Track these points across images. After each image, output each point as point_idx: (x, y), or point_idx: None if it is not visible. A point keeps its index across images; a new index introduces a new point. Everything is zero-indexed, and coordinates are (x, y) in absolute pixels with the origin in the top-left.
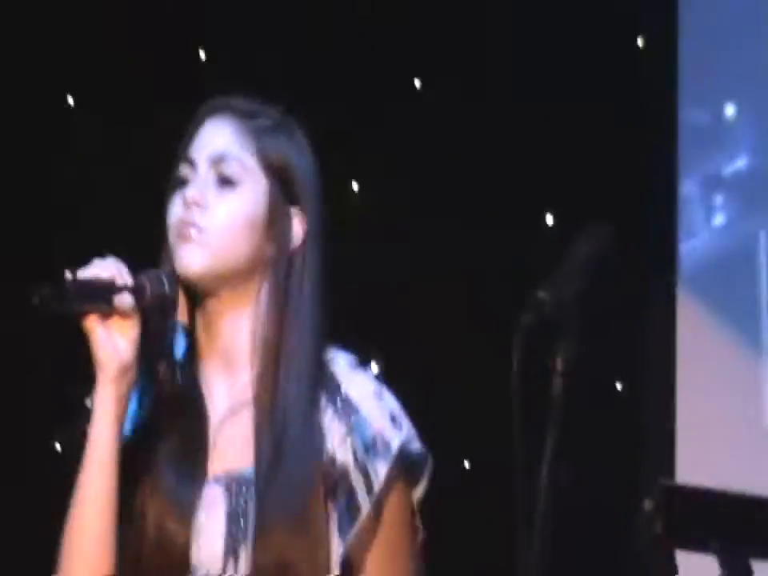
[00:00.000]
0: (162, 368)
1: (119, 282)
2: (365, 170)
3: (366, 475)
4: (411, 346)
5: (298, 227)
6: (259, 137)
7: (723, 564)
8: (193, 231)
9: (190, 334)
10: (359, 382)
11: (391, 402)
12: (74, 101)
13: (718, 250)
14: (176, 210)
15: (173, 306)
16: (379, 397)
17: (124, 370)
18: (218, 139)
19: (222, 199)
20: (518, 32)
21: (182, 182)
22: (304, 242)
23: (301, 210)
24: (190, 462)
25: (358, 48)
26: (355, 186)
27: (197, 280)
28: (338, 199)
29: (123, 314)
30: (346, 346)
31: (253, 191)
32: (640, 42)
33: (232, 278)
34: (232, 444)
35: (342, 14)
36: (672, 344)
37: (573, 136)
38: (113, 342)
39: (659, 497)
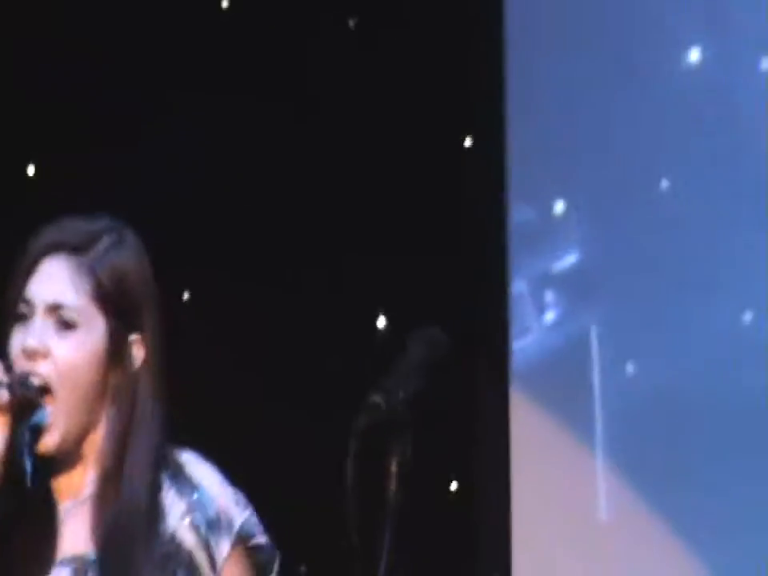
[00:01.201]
0: (18, 467)
1: None
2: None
3: (209, 552)
4: (250, 448)
5: (138, 352)
6: (94, 274)
7: None
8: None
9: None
10: (204, 468)
11: (234, 491)
12: None
13: (551, 345)
14: (17, 354)
15: (34, 411)
16: (223, 483)
17: None
18: (54, 285)
19: (62, 343)
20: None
21: (21, 317)
22: (144, 363)
23: (140, 335)
24: (39, 548)
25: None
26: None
27: (54, 454)
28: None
29: None
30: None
31: (91, 331)
32: (468, 141)
33: (81, 427)
34: (77, 531)
35: None
36: (506, 440)
37: (403, 237)
38: None
39: None
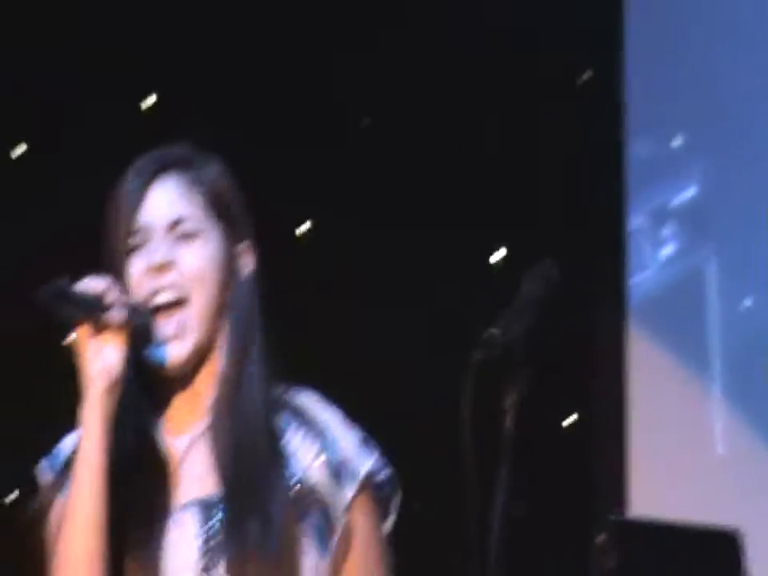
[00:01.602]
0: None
1: (112, 297)
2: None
3: (339, 495)
4: (361, 384)
5: (247, 261)
6: (203, 186)
7: None
8: (172, 327)
9: (150, 383)
10: (328, 411)
11: (358, 432)
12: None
13: (668, 280)
14: (140, 277)
15: (145, 342)
16: (347, 425)
17: (112, 387)
18: (170, 202)
19: (186, 254)
20: (464, 70)
21: (135, 248)
22: (252, 272)
23: (247, 245)
24: (155, 494)
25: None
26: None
27: (178, 370)
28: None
29: (115, 330)
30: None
31: (210, 240)
32: (586, 75)
33: (208, 339)
34: (197, 473)
35: None
36: (622, 376)
37: (520, 172)
38: (103, 356)
39: (611, 531)
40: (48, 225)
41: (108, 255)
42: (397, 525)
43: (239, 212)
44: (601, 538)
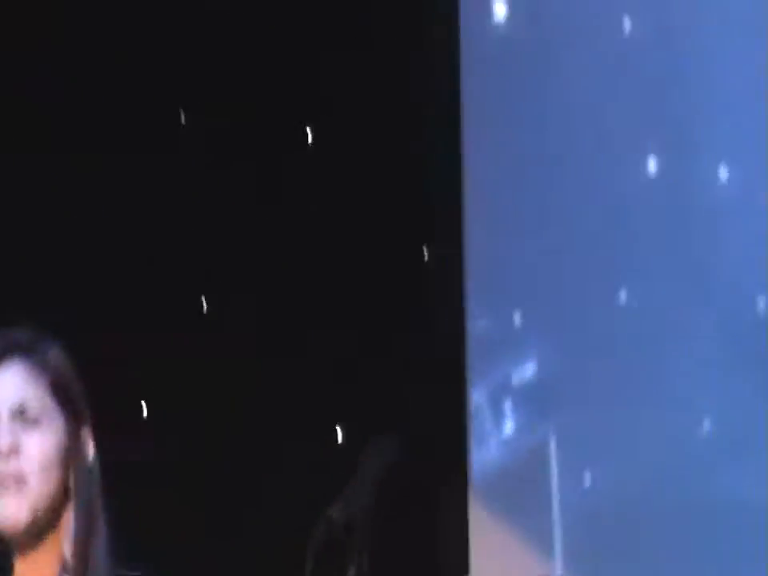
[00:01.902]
0: None
1: None
2: None
3: None
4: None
5: (89, 446)
6: (47, 371)
7: None
8: (12, 482)
9: None
10: None
11: None
12: None
13: (509, 457)
14: None
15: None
16: None
17: None
18: (15, 389)
19: (31, 439)
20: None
21: None
22: (95, 459)
23: (88, 429)
24: None
25: None
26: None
27: (20, 531)
28: None
29: None
30: None
31: (54, 425)
32: (427, 252)
33: (48, 512)
34: None
35: None
36: (465, 551)
37: (363, 345)
38: None
39: None
40: None
41: None
42: None
43: (81, 396)
44: None
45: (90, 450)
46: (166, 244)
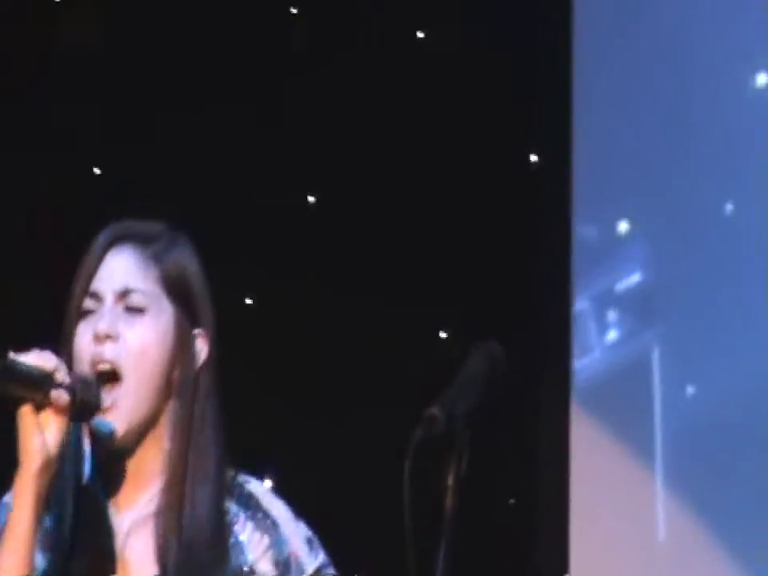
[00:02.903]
0: (74, 479)
1: (58, 377)
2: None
3: None
4: (305, 459)
5: (201, 347)
6: (160, 263)
7: None
8: (109, 398)
9: (96, 453)
10: (278, 505)
11: (306, 529)
12: None
13: (612, 365)
14: (85, 343)
15: (93, 414)
16: (296, 521)
17: (47, 466)
18: (122, 272)
19: (132, 327)
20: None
21: (87, 313)
22: (206, 360)
23: (203, 330)
24: (101, 565)
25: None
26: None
27: (117, 442)
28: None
29: (56, 410)
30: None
31: (160, 317)
32: (534, 159)
33: (147, 416)
34: (139, 555)
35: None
36: (566, 459)
37: (470, 254)
38: (43, 435)
39: None
40: None
41: (65, 318)
42: None
43: (200, 296)
44: None
45: (203, 350)
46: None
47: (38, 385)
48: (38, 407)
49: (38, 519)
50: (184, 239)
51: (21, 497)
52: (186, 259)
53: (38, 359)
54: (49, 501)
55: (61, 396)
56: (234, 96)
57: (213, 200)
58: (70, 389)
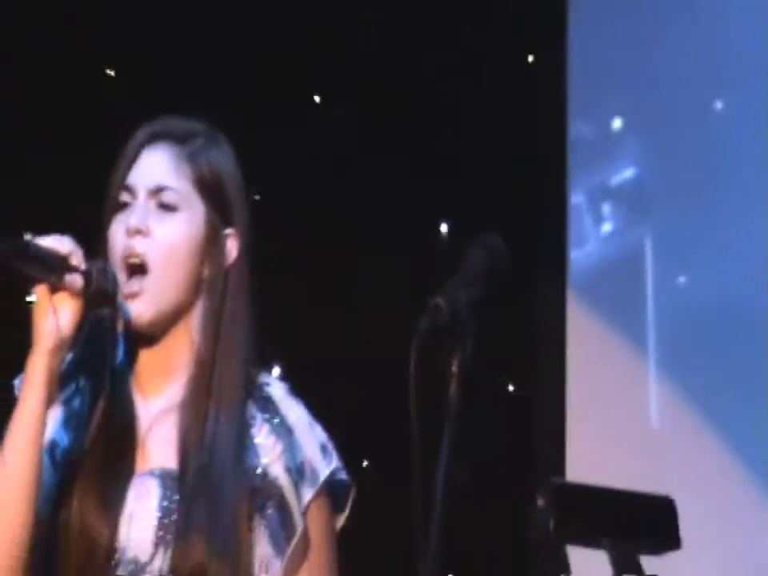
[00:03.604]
0: (96, 365)
1: (74, 261)
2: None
3: (297, 494)
4: (312, 348)
5: (231, 247)
6: (195, 162)
7: (613, 560)
8: (137, 285)
9: (128, 340)
10: (295, 409)
11: (321, 434)
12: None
13: (606, 256)
14: (119, 236)
15: (110, 302)
16: (312, 426)
17: (60, 346)
18: (156, 170)
19: (163, 224)
20: (409, 46)
21: (122, 206)
22: (236, 259)
23: (234, 230)
24: (118, 457)
25: None
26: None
27: (145, 328)
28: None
29: (71, 294)
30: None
31: (191, 216)
32: (530, 58)
33: (175, 306)
34: (161, 444)
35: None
36: (562, 347)
37: (466, 147)
38: (56, 316)
39: (550, 494)
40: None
41: (103, 209)
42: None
43: (234, 197)
44: (541, 501)
45: (234, 250)
46: None
47: (53, 267)
48: (53, 289)
49: (50, 398)
50: (222, 139)
51: (33, 374)
52: (222, 159)
53: (54, 242)
54: (78, 380)
55: (75, 280)
56: None
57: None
58: (86, 274)
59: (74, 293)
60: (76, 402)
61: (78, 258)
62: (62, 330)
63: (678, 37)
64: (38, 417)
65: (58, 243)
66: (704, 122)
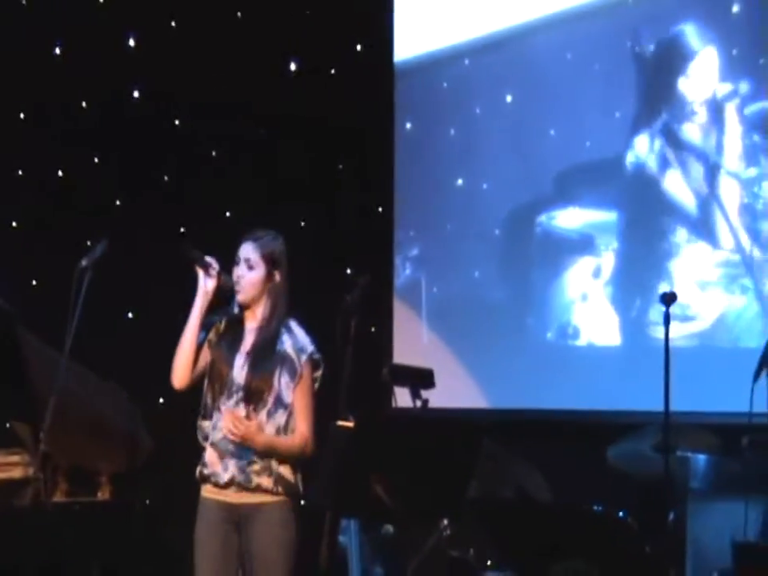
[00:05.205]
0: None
1: (213, 266)
2: None
3: (298, 360)
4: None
5: (278, 276)
6: (262, 247)
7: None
8: (240, 291)
9: (240, 306)
10: (299, 331)
11: (309, 336)
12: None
13: None
14: (235, 273)
15: (230, 289)
16: (305, 333)
17: (206, 298)
18: (247, 252)
19: (249, 273)
20: None
21: (236, 263)
22: (280, 282)
23: (279, 270)
24: (234, 344)
25: None
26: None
27: (241, 302)
28: None
29: (212, 277)
30: None
31: (260, 270)
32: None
33: (255, 300)
34: (250, 340)
35: None
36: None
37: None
38: (205, 284)
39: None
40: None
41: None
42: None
43: (278, 262)
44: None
45: (278, 278)
46: None
47: (205, 265)
48: (205, 272)
49: (202, 320)
50: (277, 236)
51: (196, 304)
52: (276, 247)
53: (209, 258)
54: (214, 318)
55: (213, 274)
56: None
57: None
58: (218, 273)
59: (213, 277)
60: (202, 333)
61: (214, 266)
62: (208, 290)
63: None
64: (196, 328)
65: (209, 258)
66: None
